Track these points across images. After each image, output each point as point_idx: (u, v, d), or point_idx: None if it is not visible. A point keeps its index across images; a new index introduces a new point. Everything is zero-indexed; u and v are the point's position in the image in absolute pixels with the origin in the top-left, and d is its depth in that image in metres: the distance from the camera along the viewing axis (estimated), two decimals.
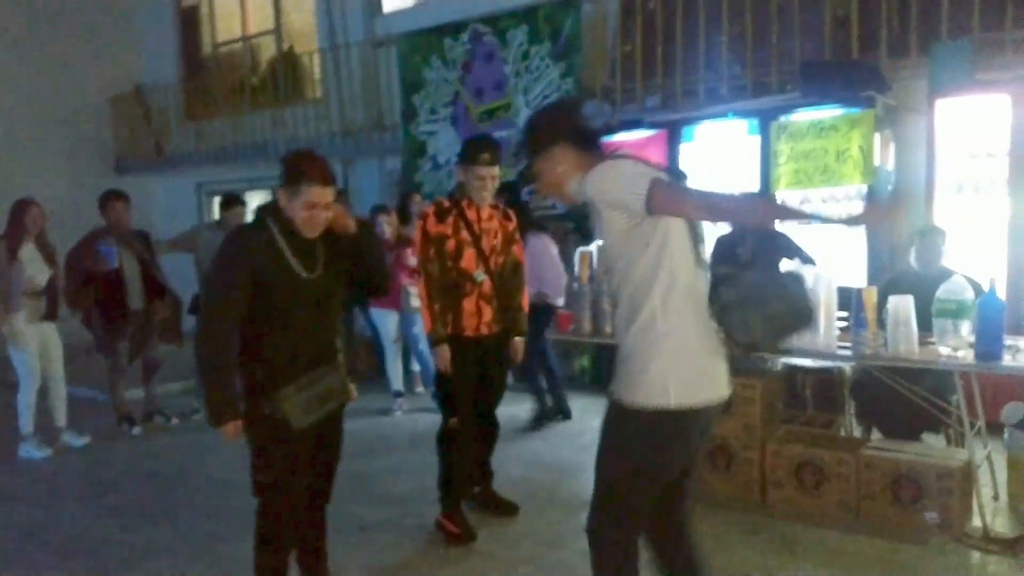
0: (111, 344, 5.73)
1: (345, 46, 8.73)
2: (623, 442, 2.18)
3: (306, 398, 2.64)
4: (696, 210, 2.13)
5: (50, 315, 5.31)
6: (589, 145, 2.28)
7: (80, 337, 5.83)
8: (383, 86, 8.45)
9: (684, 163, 5.43)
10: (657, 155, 6.10)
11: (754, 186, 5.63)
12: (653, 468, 2.18)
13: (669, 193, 2.06)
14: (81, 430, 5.54)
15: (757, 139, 5.89)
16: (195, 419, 6.04)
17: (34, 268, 5.17)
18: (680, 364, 2.13)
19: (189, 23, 11.20)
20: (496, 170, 3.64)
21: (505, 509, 3.94)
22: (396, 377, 6.23)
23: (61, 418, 5.49)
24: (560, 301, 5.36)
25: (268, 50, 10.43)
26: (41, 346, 5.30)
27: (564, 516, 3.88)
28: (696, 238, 2.23)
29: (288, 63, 9.80)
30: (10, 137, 9.65)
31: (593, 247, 4.35)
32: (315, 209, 2.62)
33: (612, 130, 6.32)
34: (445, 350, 3.62)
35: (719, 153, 6.14)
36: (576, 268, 4.33)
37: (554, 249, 5.52)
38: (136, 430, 5.87)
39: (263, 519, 2.74)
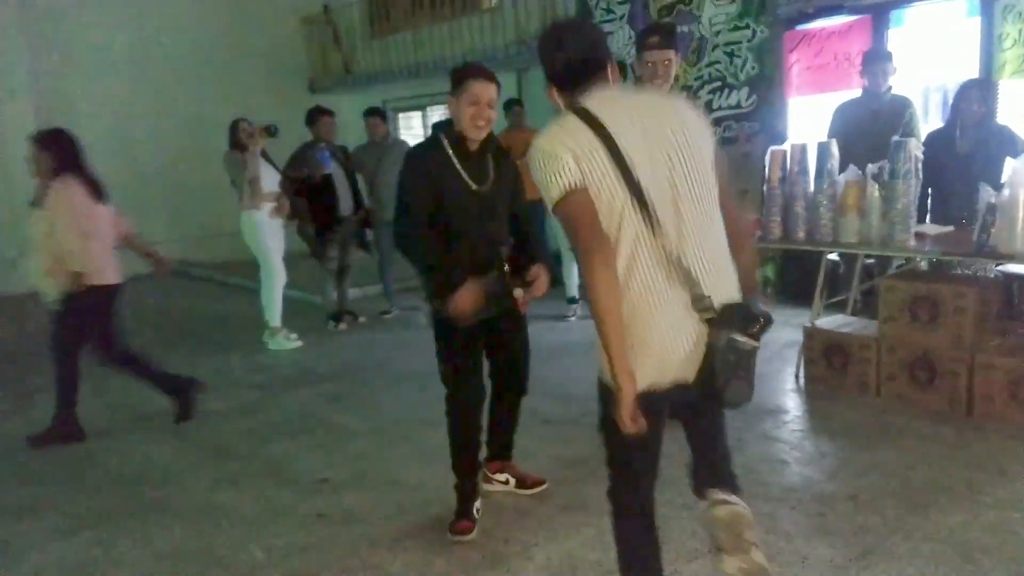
0: (323, 248, 6.23)
1: None
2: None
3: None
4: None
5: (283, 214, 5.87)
6: (573, 86, 1.90)
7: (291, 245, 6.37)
8: None
9: (893, 50, 4.89)
10: (860, 43, 5.58)
11: (972, 74, 5.01)
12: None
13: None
14: (291, 329, 6.09)
15: (977, 21, 5.21)
16: (386, 319, 6.51)
17: (265, 174, 5.71)
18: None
19: None
20: (669, 54, 3.41)
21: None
22: (572, 284, 6.31)
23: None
24: (110, 277, 4.04)
25: None
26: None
27: (746, 423, 3.83)
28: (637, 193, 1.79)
29: None
30: (212, 61, 10.44)
31: (786, 146, 4.10)
32: (479, 105, 2.74)
33: (808, 17, 5.83)
34: None
35: (932, 39, 5.50)
36: (767, 169, 4.11)
37: (78, 201, 3.94)
38: (341, 326, 6.45)
39: (449, 405, 2.99)
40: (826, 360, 4.19)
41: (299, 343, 5.94)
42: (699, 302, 1.81)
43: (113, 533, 3.16)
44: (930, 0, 5.44)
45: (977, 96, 4.25)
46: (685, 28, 6.47)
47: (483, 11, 9.36)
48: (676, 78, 3.64)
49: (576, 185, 1.76)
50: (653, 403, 1.86)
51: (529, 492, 3.20)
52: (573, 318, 6.21)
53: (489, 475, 3.24)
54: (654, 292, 1.81)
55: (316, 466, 3.70)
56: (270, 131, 5.63)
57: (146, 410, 4.65)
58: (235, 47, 10.63)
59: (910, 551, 2.65)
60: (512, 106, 6.87)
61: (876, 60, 4.65)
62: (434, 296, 2.82)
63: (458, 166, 2.81)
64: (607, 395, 1.88)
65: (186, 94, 10.23)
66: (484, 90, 2.75)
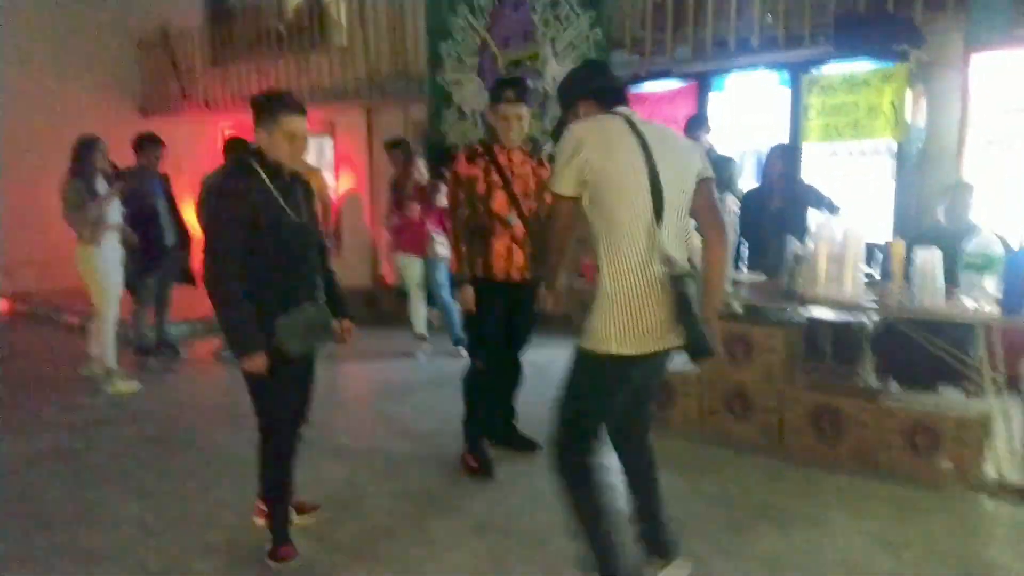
0: (140, 278, 5.85)
1: None
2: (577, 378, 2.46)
3: (301, 329, 2.77)
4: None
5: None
6: (610, 102, 2.43)
7: None
8: (409, 33, 8.39)
9: (713, 115, 5.41)
10: (686, 106, 6.08)
11: (783, 138, 5.60)
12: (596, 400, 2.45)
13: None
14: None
15: (788, 91, 5.84)
16: (223, 354, 6.19)
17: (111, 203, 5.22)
18: (618, 315, 2.33)
19: None
20: (522, 109, 3.62)
21: (526, 446, 4.04)
22: (420, 321, 6.33)
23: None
24: None
25: None
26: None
27: None
28: (656, 193, 2.31)
29: (314, 9, 9.72)
30: (37, 79, 9.69)
31: None
32: (297, 141, 2.73)
33: (640, 80, 6.29)
34: (469, 291, 3.69)
35: (749, 105, 6.10)
36: None
37: None
38: (151, 362, 6.07)
39: (267, 438, 2.91)
40: None
41: (138, 384, 5.44)
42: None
43: None
44: (747, 70, 6.04)
45: (780, 158, 4.77)
46: (531, 83, 6.76)
47: (333, 49, 9.31)
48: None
49: (577, 194, 2.28)
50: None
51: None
52: (422, 355, 6.21)
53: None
54: (645, 274, 2.30)
55: (136, 511, 3.43)
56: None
57: None
58: (64, 65, 9.94)
59: (732, 570, 2.84)
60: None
61: (698, 125, 5.17)
62: (236, 351, 2.73)
63: (278, 196, 2.73)
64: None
65: (7, 114, 9.37)
66: (301, 124, 2.73)
